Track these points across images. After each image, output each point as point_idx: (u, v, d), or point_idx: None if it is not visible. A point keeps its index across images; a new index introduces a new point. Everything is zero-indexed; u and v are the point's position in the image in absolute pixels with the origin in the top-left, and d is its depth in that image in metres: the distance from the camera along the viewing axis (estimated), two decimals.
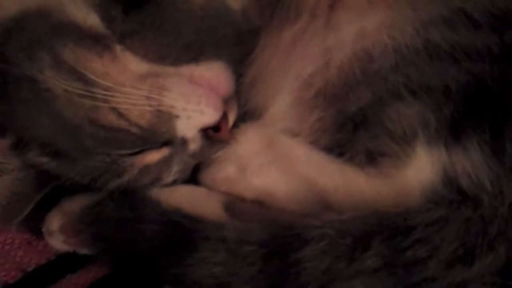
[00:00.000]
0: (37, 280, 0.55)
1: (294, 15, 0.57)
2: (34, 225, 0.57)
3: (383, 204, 0.52)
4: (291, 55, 0.57)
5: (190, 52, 0.56)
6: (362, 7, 0.54)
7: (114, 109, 0.52)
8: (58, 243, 0.56)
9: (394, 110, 0.53)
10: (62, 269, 0.56)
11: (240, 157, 0.58)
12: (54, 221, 0.56)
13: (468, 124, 0.52)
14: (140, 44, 0.54)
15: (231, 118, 0.58)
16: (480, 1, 0.53)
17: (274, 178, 0.57)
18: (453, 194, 0.51)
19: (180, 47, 0.56)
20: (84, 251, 0.56)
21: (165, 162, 0.55)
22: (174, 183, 0.57)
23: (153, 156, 0.55)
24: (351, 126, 0.55)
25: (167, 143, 0.55)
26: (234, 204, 0.57)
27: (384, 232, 0.50)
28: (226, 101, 0.57)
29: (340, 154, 0.56)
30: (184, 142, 0.55)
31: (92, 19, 0.54)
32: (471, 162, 0.51)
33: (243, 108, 0.59)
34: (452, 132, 0.52)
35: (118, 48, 0.54)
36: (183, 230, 0.52)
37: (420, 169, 0.52)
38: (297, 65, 0.57)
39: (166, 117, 0.53)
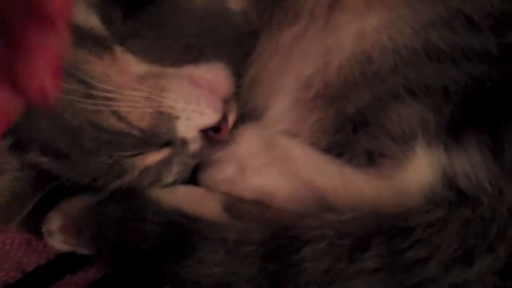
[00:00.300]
0: (37, 280, 0.55)
1: (293, 16, 0.57)
2: (34, 225, 0.57)
3: (383, 204, 0.52)
4: (290, 57, 0.57)
5: (190, 53, 0.56)
6: (361, 8, 0.54)
7: (114, 112, 0.52)
8: (58, 243, 0.56)
9: (394, 111, 0.53)
10: (62, 269, 0.56)
11: (240, 157, 0.58)
12: (54, 222, 0.56)
13: (467, 125, 0.52)
14: (140, 45, 0.54)
15: (231, 119, 0.58)
16: (479, 2, 0.53)
17: (274, 179, 0.57)
18: (452, 195, 0.51)
19: (180, 48, 0.56)
20: (83, 251, 0.56)
21: (165, 163, 0.55)
22: (174, 183, 0.57)
23: (154, 157, 0.55)
24: (350, 127, 0.55)
25: (167, 144, 0.55)
26: (234, 205, 0.57)
27: (384, 232, 0.50)
28: (225, 102, 0.57)
29: (340, 155, 0.56)
30: (184, 143, 0.56)
31: (92, 21, 0.54)
32: (470, 163, 0.51)
33: (242, 109, 0.60)
34: (452, 133, 0.52)
35: (118, 49, 0.54)
36: (183, 230, 0.52)
37: (420, 170, 0.52)
38: (296, 66, 0.57)
39: (166, 118, 0.54)
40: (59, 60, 0.34)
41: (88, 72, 0.52)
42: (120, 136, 0.53)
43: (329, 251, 0.49)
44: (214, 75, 0.56)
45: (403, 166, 0.53)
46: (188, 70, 0.55)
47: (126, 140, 0.53)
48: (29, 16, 0.32)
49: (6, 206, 0.54)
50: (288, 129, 0.58)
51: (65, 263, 0.56)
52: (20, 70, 0.32)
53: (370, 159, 0.54)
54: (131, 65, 0.54)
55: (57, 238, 0.56)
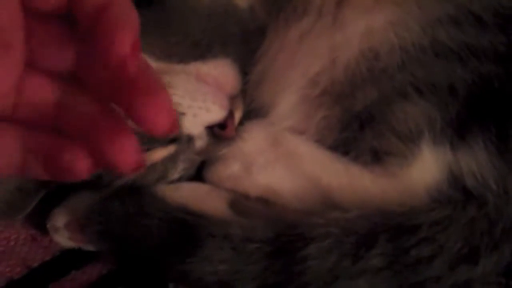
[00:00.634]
0: (42, 276, 0.55)
1: (300, 13, 0.57)
2: (39, 221, 0.57)
3: (388, 202, 0.52)
4: (298, 53, 0.57)
5: (197, 50, 0.56)
6: (368, 5, 0.54)
7: None
8: (63, 239, 0.56)
9: (400, 109, 0.53)
10: (67, 266, 0.56)
11: (246, 154, 0.58)
12: (59, 218, 0.56)
13: (474, 124, 0.52)
14: (147, 42, 0.54)
15: (237, 116, 0.58)
16: (487, 0, 0.53)
17: (279, 176, 0.57)
18: (458, 194, 0.51)
19: (187, 45, 0.55)
20: (89, 247, 0.56)
21: (171, 159, 0.55)
22: (179, 180, 0.57)
23: (160, 154, 0.55)
24: (357, 124, 0.55)
25: (173, 140, 0.55)
26: (239, 202, 0.57)
27: (389, 231, 0.50)
28: (232, 99, 0.57)
29: (346, 153, 0.56)
30: (190, 139, 0.55)
31: None
32: (476, 162, 0.51)
33: (249, 106, 0.59)
34: (458, 131, 0.52)
35: None
36: (188, 227, 0.52)
37: (426, 168, 0.52)
38: (303, 63, 0.57)
39: None
40: None
41: None
42: None
43: (334, 248, 0.49)
44: (221, 72, 0.56)
45: (409, 164, 0.53)
46: (195, 67, 0.55)
47: None
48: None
49: (11, 202, 0.54)
50: (294, 126, 0.58)
51: (70, 259, 0.56)
52: None
53: (376, 157, 0.54)
54: None
55: (62, 234, 0.55)
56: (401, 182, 0.53)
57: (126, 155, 0.31)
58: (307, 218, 0.51)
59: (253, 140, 0.58)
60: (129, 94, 0.30)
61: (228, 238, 0.51)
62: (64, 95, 0.32)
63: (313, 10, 0.56)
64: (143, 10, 0.54)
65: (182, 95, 0.53)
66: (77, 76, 0.33)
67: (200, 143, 0.56)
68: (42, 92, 0.32)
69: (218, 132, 0.56)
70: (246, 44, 0.58)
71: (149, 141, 0.53)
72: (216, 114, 0.55)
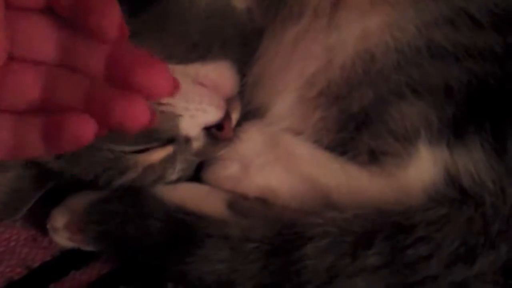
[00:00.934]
0: (42, 277, 0.55)
1: (297, 14, 0.57)
2: (39, 222, 0.57)
3: (385, 202, 0.52)
4: (294, 55, 0.57)
5: (195, 52, 0.56)
6: (364, 7, 0.54)
7: None
8: (62, 240, 0.56)
9: (397, 110, 0.54)
10: (67, 266, 0.56)
11: (243, 155, 0.58)
12: (59, 218, 0.56)
13: (470, 124, 0.52)
14: (144, 44, 0.54)
15: (234, 117, 0.58)
16: (483, 1, 0.53)
17: (277, 177, 0.57)
18: (455, 193, 0.52)
19: (185, 47, 0.56)
20: (88, 248, 0.56)
21: (169, 160, 0.55)
22: (177, 181, 0.57)
23: (157, 155, 0.55)
24: (353, 125, 0.55)
25: (170, 141, 0.55)
26: (237, 202, 0.57)
27: (386, 230, 0.50)
28: (229, 100, 0.57)
29: (343, 153, 0.56)
30: (187, 140, 0.56)
31: None
32: (473, 162, 0.51)
33: (246, 107, 0.60)
34: (454, 131, 0.52)
35: None
36: (187, 228, 0.52)
37: (422, 168, 0.52)
38: (299, 65, 0.57)
39: (168, 115, 0.54)
40: None
41: None
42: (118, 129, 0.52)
43: (332, 248, 0.50)
44: (219, 74, 0.56)
45: (405, 164, 0.53)
46: (194, 69, 0.55)
47: (125, 134, 0.52)
48: None
49: (6, 203, 0.54)
50: (291, 127, 0.58)
51: (70, 259, 0.56)
52: None
53: (373, 157, 0.54)
54: None
55: (61, 234, 0.56)
56: (398, 182, 0.53)
57: (136, 108, 0.32)
58: (305, 218, 0.51)
59: (251, 141, 0.59)
60: (130, 63, 0.32)
61: (226, 238, 0.51)
62: (51, 79, 0.34)
63: (308, 12, 0.56)
64: (141, 11, 0.55)
65: (176, 96, 0.53)
66: (64, 63, 0.34)
67: (197, 144, 0.56)
68: (27, 80, 0.34)
69: (216, 133, 0.56)
70: (243, 46, 0.59)
71: (144, 140, 0.54)
72: (213, 115, 0.55)
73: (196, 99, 0.54)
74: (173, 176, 0.57)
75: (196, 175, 0.59)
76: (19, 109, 0.34)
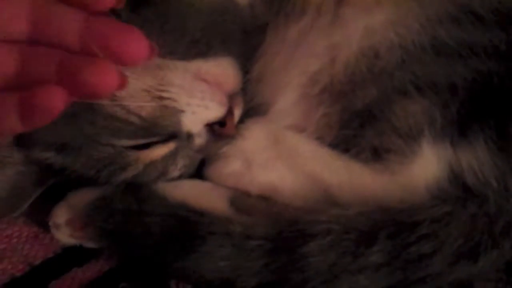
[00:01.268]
0: (44, 273, 0.55)
1: (300, 11, 0.57)
2: (41, 218, 0.57)
3: (389, 200, 0.52)
4: (297, 52, 0.57)
5: (197, 48, 0.56)
6: (368, 4, 0.54)
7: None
8: (64, 236, 0.56)
9: (400, 107, 0.53)
10: (69, 263, 0.56)
11: (246, 152, 0.58)
12: (60, 215, 0.56)
13: (474, 121, 0.52)
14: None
15: (237, 114, 0.58)
16: None
17: (280, 174, 0.57)
18: (458, 191, 0.52)
19: (187, 43, 0.55)
20: (90, 244, 0.56)
21: (171, 157, 0.55)
22: (179, 177, 0.57)
23: (159, 151, 0.55)
24: (357, 122, 0.55)
25: (172, 137, 0.55)
26: (240, 199, 0.57)
27: (389, 227, 0.50)
28: (231, 97, 0.57)
29: (346, 150, 0.56)
30: (189, 136, 0.55)
31: None
32: (477, 159, 0.51)
33: (249, 104, 0.59)
34: (458, 129, 0.52)
35: None
36: (189, 225, 0.52)
37: (426, 165, 0.52)
38: (303, 62, 0.57)
39: (170, 111, 0.53)
40: None
41: None
42: (117, 122, 0.52)
43: (335, 245, 0.50)
44: (222, 70, 0.56)
45: (409, 161, 0.53)
46: (196, 65, 0.55)
47: (124, 127, 0.52)
48: None
49: (5, 199, 0.54)
50: (294, 124, 0.58)
51: (72, 256, 0.56)
52: None
53: (377, 155, 0.54)
54: None
55: (63, 231, 0.56)
56: (402, 180, 0.53)
57: (105, 72, 0.33)
58: (307, 215, 0.51)
59: (254, 138, 0.58)
60: (106, 29, 0.34)
61: (228, 235, 0.51)
62: (26, 55, 0.34)
63: (312, 9, 0.56)
64: (141, 7, 0.55)
65: (177, 91, 0.53)
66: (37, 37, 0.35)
67: (199, 141, 0.56)
68: (1, 57, 0.34)
69: (218, 130, 0.56)
70: (246, 42, 0.59)
71: (144, 134, 0.53)
72: (215, 111, 0.55)
73: (198, 95, 0.54)
74: (175, 173, 0.56)
75: (199, 172, 0.59)
76: None
